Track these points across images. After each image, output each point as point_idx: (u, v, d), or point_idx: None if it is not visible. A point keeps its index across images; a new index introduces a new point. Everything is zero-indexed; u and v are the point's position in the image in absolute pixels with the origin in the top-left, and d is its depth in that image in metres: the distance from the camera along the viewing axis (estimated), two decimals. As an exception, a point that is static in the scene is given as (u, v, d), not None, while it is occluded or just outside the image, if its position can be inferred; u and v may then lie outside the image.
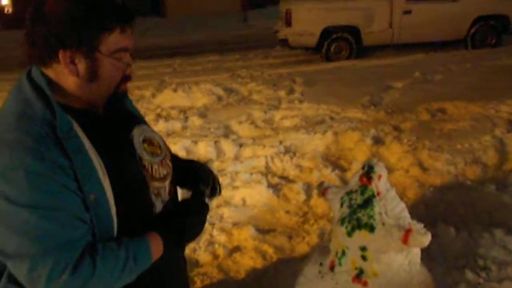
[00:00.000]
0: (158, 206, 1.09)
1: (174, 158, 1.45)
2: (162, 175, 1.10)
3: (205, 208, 1.18)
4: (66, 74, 0.96)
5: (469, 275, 2.03)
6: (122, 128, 1.07)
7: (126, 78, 1.05)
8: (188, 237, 1.11)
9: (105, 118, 1.05)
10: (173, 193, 1.17)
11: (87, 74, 0.97)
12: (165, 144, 1.19)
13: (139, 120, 1.17)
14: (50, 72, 0.97)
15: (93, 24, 0.93)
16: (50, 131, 0.89)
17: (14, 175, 0.86)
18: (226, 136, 4.28)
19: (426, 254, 2.04)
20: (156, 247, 1.00)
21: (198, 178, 1.26)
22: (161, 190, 1.10)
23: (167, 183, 1.12)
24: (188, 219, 1.09)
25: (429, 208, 2.72)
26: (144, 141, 1.09)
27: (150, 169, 1.06)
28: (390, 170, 3.22)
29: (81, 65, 0.96)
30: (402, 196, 2.56)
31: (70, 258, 0.87)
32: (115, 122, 1.07)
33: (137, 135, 1.09)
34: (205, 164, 1.41)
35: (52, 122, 0.90)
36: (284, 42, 8.61)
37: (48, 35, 0.92)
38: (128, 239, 0.97)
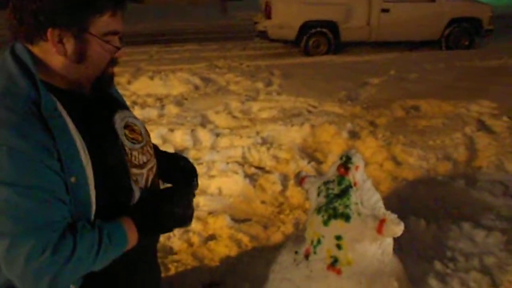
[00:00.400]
0: (137, 194, 1.07)
1: (158, 151, 1.44)
2: (141, 162, 1.08)
3: (187, 198, 1.14)
4: (53, 53, 0.94)
5: (438, 265, 2.10)
6: (105, 112, 1.06)
7: (114, 61, 1.04)
8: (165, 226, 1.08)
9: (90, 101, 1.03)
10: (153, 182, 1.15)
11: (75, 54, 0.95)
12: (146, 131, 1.18)
13: (122, 105, 1.16)
14: (36, 50, 0.95)
15: (85, 5, 0.91)
16: (35, 109, 0.87)
17: None
18: (203, 125, 4.26)
19: (398, 245, 2.09)
20: (131, 232, 0.99)
21: (184, 172, 1.29)
22: (139, 177, 1.08)
23: (145, 170, 1.10)
24: (166, 207, 1.05)
25: (401, 201, 2.79)
26: (125, 127, 1.08)
27: (130, 155, 1.05)
28: (364, 163, 3.28)
29: (69, 45, 0.94)
30: (376, 189, 2.60)
31: (51, 238, 0.85)
32: (99, 105, 1.05)
33: (118, 120, 1.07)
34: (186, 158, 1.42)
35: (37, 100, 0.88)
36: (263, 34, 8.60)
37: (39, 12, 0.89)
38: (103, 222, 0.95)
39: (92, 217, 0.95)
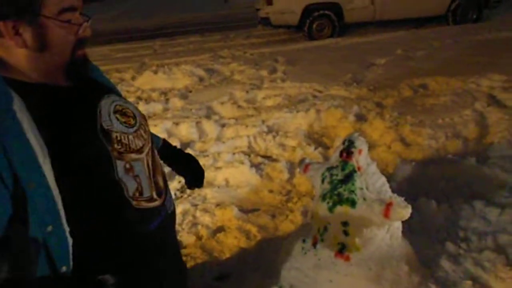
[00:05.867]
0: (130, 184, 1.00)
1: (169, 147, 1.43)
2: (138, 147, 1.03)
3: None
4: (13, 47, 0.89)
5: (450, 246, 2.05)
6: (88, 99, 0.99)
7: (81, 42, 0.97)
8: None
9: (68, 91, 0.98)
10: (154, 167, 1.09)
11: (36, 43, 0.90)
12: (141, 114, 1.11)
13: (109, 90, 1.09)
14: None
15: None
16: None
17: None
18: (208, 116, 4.23)
19: (408, 227, 2.05)
20: None
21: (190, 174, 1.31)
22: (136, 163, 1.02)
23: (143, 155, 1.04)
24: None
25: (411, 183, 2.73)
26: (115, 111, 1.02)
27: (126, 140, 1.00)
28: (372, 146, 3.23)
29: (27, 35, 0.89)
30: (384, 171, 2.55)
31: None
32: (80, 93, 0.99)
33: (106, 106, 1.01)
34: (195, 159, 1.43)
35: None
36: (266, 21, 8.50)
37: None
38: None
39: (64, 222, 0.87)
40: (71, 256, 0.89)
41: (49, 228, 0.85)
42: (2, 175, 0.79)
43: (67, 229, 0.88)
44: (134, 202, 1.01)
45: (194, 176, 1.43)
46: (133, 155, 1.01)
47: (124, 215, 1.00)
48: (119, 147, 0.99)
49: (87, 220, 0.93)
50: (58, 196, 0.86)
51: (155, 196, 1.07)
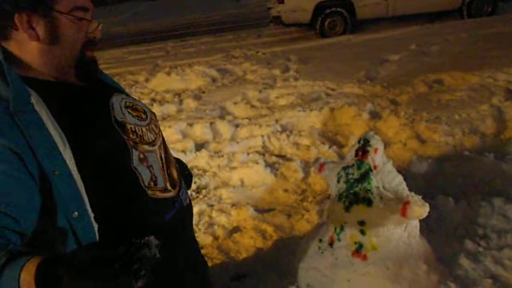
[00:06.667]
0: (145, 174, 1.02)
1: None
2: (151, 139, 1.06)
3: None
4: (27, 41, 0.93)
5: (469, 244, 2.03)
6: (99, 97, 1.04)
7: (91, 42, 1.02)
8: None
9: (79, 88, 1.02)
10: (167, 160, 1.11)
11: (48, 36, 0.94)
12: (150, 110, 1.15)
13: (117, 90, 1.13)
14: (12, 45, 0.94)
15: None
16: (2, 108, 0.85)
17: None
18: (221, 117, 4.25)
19: (426, 225, 2.03)
20: None
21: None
22: (150, 154, 1.04)
23: (156, 147, 1.08)
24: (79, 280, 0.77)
25: (428, 180, 2.70)
26: (126, 107, 1.06)
27: (140, 132, 1.03)
28: (388, 143, 3.20)
29: (40, 28, 0.93)
30: (400, 169, 2.53)
31: None
32: (91, 91, 1.03)
33: (117, 102, 1.05)
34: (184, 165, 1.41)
35: (5, 98, 0.86)
36: (277, 19, 8.48)
37: (1, 1, 0.89)
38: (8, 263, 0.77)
39: (88, 207, 0.91)
40: (98, 241, 0.93)
41: (75, 214, 0.89)
42: (28, 166, 0.83)
43: (91, 214, 0.92)
44: (149, 192, 1.03)
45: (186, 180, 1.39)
46: (147, 147, 1.04)
47: (140, 204, 1.02)
48: (134, 137, 1.02)
49: (105, 209, 0.95)
50: (81, 183, 0.90)
51: (169, 187, 1.09)
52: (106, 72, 1.20)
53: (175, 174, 1.14)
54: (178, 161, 1.42)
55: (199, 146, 3.66)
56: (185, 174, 1.40)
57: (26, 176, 0.84)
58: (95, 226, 0.93)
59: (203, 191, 3.01)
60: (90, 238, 0.92)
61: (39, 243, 0.86)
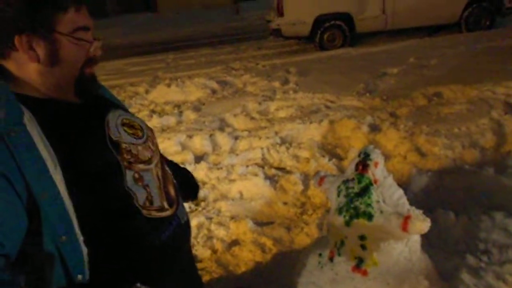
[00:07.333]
0: (140, 193, 1.01)
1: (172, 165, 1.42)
2: (147, 158, 1.05)
3: None
4: (26, 62, 0.92)
5: (470, 259, 2.01)
6: (96, 114, 1.02)
7: (91, 60, 1.01)
8: None
9: (76, 106, 1.01)
10: (164, 178, 1.10)
11: (48, 57, 0.93)
12: (148, 127, 1.14)
13: (115, 106, 1.12)
14: (10, 64, 0.93)
15: (46, 4, 0.89)
16: None
17: None
18: (221, 129, 4.24)
19: (426, 240, 2.01)
20: None
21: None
22: (145, 173, 1.03)
23: (152, 166, 1.06)
24: None
25: (427, 194, 2.69)
26: (123, 124, 1.04)
27: (135, 151, 1.02)
28: (387, 157, 3.19)
29: (40, 49, 0.92)
30: (400, 182, 2.52)
31: None
32: (88, 109, 1.02)
33: (113, 119, 1.04)
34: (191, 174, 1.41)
35: None
36: (277, 32, 8.53)
37: (1, 22, 0.88)
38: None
39: (77, 231, 0.90)
40: (86, 265, 0.91)
41: (63, 238, 0.87)
42: (16, 188, 0.82)
43: (80, 238, 0.90)
44: (144, 211, 1.02)
45: (193, 190, 1.41)
46: (142, 166, 1.03)
47: (134, 224, 1.01)
48: (129, 157, 1.01)
49: (99, 229, 0.94)
50: (70, 205, 0.89)
51: (166, 206, 1.08)
52: (107, 83, 1.20)
53: (172, 191, 1.13)
54: (185, 170, 1.41)
55: (198, 158, 3.65)
56: (191, 183, 1.38)
57: (13, 198, 0.82)
58: (84, 250, 0.90)
59: (202, 204, 3.00)
60: (77, 263, 0.89)
61: (30, 268, 0.85)
